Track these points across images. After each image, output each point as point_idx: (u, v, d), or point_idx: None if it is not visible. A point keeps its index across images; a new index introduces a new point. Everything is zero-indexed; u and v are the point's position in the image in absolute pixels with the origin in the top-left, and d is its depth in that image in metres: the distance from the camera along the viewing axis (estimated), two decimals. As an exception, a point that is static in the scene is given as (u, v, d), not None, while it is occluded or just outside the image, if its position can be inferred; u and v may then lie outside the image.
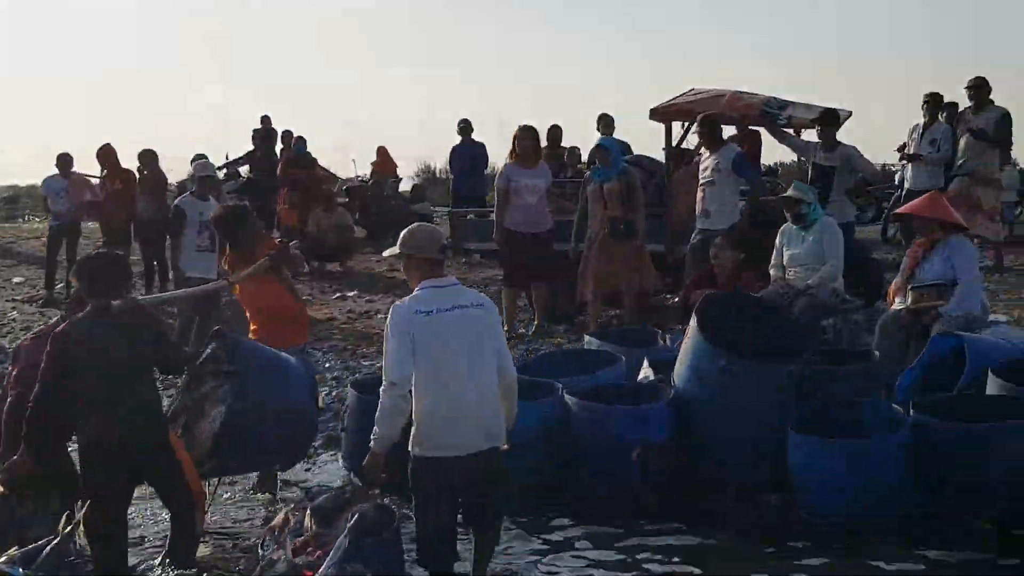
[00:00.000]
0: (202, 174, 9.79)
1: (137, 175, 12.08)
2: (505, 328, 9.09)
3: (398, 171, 18.24)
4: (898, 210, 7.04)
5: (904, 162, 12.48)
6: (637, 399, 5.53)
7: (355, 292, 12.00)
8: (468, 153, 13.99)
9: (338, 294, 11.83)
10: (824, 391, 5.33)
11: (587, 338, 7.02)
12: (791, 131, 9.84)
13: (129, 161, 12.32)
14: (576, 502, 5.37)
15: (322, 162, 15.53)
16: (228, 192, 18.69)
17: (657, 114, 10.22)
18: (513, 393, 4.40)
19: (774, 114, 9.78)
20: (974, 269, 6.49)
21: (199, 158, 12.00)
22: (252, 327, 5.93)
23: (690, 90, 10.45)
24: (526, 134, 9.00)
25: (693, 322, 5.41)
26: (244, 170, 16.06)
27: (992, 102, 11.31)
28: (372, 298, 11.56)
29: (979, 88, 11.15)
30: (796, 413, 5.05)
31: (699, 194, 8.56)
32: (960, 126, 11.43)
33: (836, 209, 8.52)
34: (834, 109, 9.26)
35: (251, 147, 15.29)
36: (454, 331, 4.20)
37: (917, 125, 11.77)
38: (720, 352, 5.23)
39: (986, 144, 11.49)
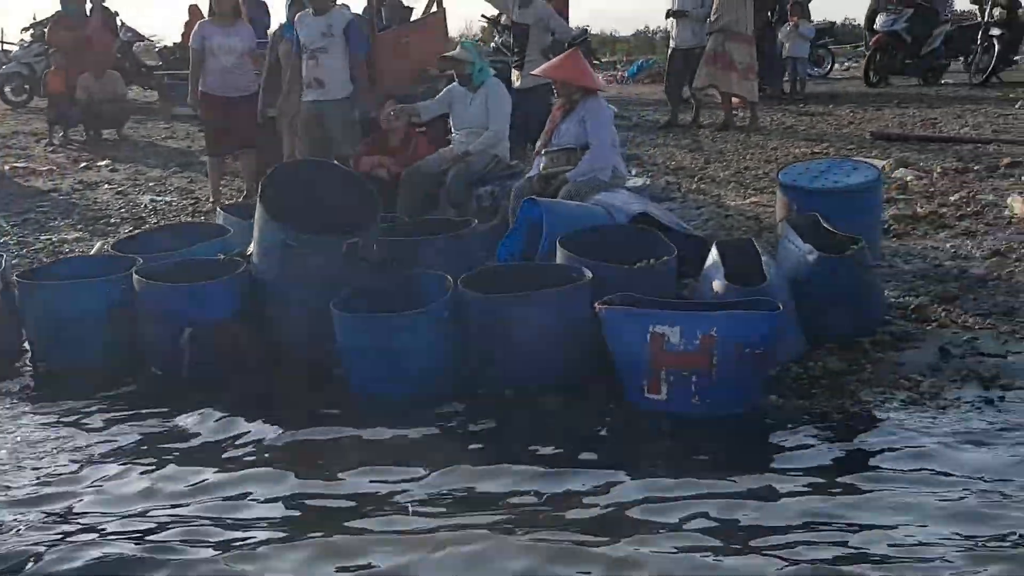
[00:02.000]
0: None
1: None
2: (211, 201, 8.81)
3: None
4: (533, 72, 6.80)
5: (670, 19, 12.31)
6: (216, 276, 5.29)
7: (106, 162, 11.52)
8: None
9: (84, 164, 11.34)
10: (401, 264, 5.20)
11: (218, 211, 6.73)
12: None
13: None
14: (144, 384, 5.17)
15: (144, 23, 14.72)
16: (35, 56, 17.71)
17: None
18: None
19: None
20: (605, 132, 6.31)
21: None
22: None
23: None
24: None
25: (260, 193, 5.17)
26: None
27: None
28: (118, 167, 11.13)
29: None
30: (347, 289, 4.88)
31: (310, 61, 8.00)
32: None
33: (533, 69, 8.26)
34: None
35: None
36: None
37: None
38: (278, 225, 5.01)
39: (739, 0, 11.35)
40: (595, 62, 19.15)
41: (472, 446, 4.19)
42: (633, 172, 8.49)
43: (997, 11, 16.27)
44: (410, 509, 3.59)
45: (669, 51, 12.47)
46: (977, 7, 17.42)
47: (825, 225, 5.35)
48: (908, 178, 8.38)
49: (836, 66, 20.00)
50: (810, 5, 16.96)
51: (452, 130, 7.34)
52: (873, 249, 6.17)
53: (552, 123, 6.49)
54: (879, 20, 17.44)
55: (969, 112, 12.18)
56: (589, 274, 4.80)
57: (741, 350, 4.25)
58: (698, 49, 11.84)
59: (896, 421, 4.19)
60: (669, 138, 11.55)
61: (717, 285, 4.78)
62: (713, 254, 5.06)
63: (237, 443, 4.32)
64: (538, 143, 6.59)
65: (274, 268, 5.07)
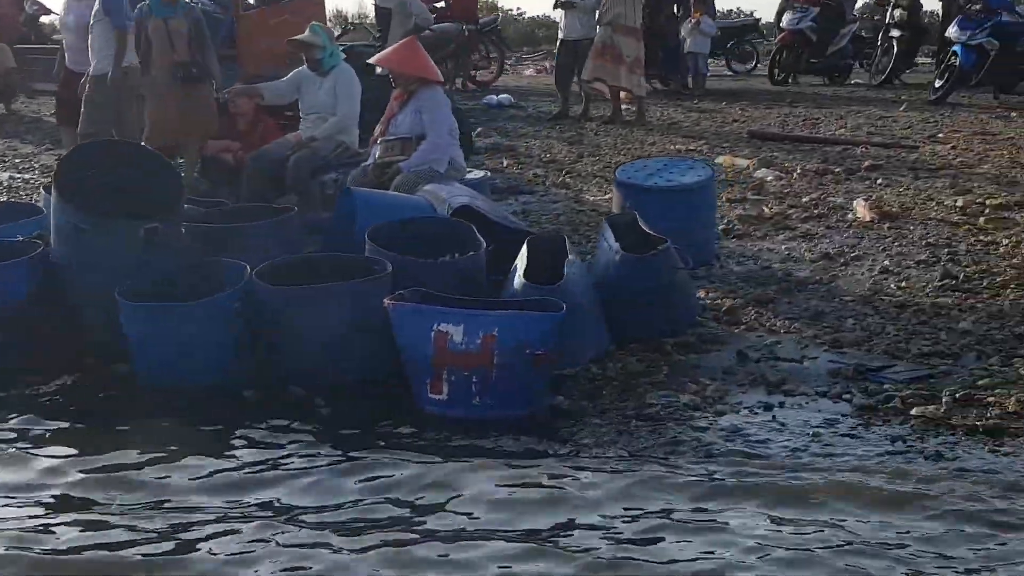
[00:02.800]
0: None
1: None
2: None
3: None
4: (369, 60, 6.69)
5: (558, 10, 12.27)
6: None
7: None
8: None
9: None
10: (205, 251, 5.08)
11: (41, 190, 6.54)
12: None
13: None
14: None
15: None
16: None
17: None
18: None
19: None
20: (442, 123, 6.23)
21: None
22: None
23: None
24: None
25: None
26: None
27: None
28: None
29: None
30: (150, 276, 4.75)
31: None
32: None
33: (394, 55, 8.14)
34: None
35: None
36: None
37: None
38: (70, 208, 4.85)
39: (627, -7, 11.32)
40: (507, 51, 19.06)
41: (236, 444, 4.08)
42: (497, 164, 8.44)
43: (898, 12, 16.43)
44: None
45: (558, 42, 12.42)
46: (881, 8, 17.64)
47: (640, 224, 5.32)
48: (768, 178, 8.42)
49: (760, 64, 20.06)
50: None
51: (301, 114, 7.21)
52: (705, 249, 6.21)
53: (389, 112, 6.39)
54: (785, 18, 17.55)
55: (854, 113, 12.30)
56: (389, 267, 4.71)
57: (522, 351, 4.20)
58: (586, 41, 11.81)
59: (667, 424, 4.16)
60: (555, 130, 11.51)
61: (516, 283, 4.73)
62: (523, 251, 5.00)
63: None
64: (375, 131, 6.49)
65: (69, 252, 4.91)
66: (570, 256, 4.92)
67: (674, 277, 5.09)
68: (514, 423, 4.21)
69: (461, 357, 4.22)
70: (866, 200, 7.27)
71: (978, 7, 13.06)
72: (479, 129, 11.55)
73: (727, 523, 3.31)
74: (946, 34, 13.57)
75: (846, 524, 3.28)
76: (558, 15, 12.39)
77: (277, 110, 7.86)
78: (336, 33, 14.84)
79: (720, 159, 9.16)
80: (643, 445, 4.00)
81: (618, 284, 5.02)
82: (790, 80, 17.50)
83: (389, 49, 6.49)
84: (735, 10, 29.03)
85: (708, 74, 16.29)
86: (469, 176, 6.58)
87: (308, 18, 9.67)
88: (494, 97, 14.43)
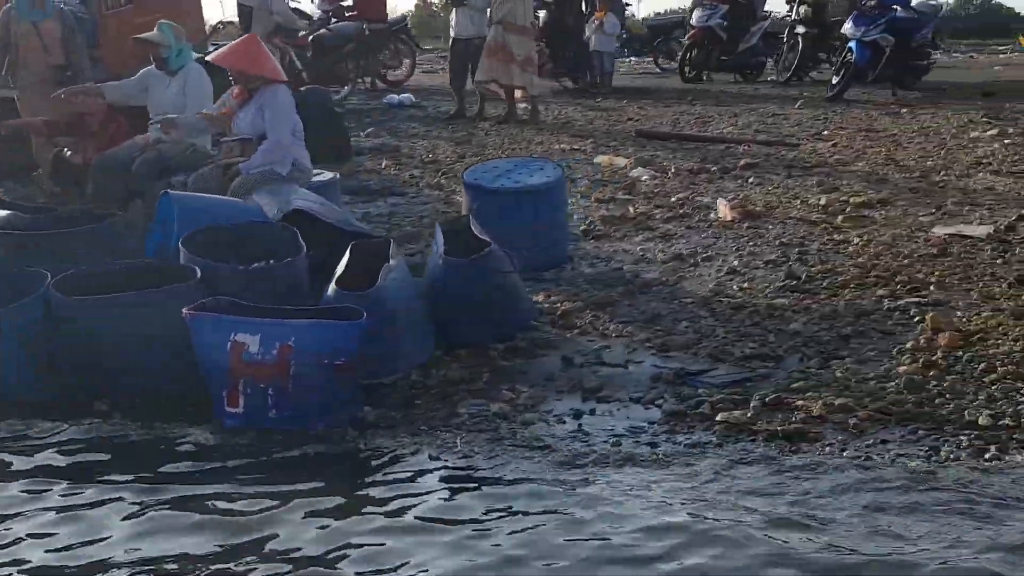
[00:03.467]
0: None
1: None
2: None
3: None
4: (207, 58, 6.51)
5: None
6: None
7: None
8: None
9: None
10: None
11: None
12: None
13: None
14: None
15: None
16: None
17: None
18: None
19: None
20: (284, 123, 6.05)
21: None
22: None
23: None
24: None
25: None
26: None
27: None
28: None
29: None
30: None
31: None
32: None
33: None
34: None
35: None
36: None
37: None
38: None
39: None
40: (417, 49, 18.91)
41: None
42: (376, 165, 8.28)
43: (803, 9, 16.51)
44: None
45: (451, 41, 12.30)
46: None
47: (472, 228, 5.21)
48: (643, 178, 8.36)
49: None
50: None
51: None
52: (557, 251, 6.12)
53: (228, 110, 6.21)
54: (695, 15, 17.59)
55: (749, 111, 12.31)
56: (197, 275, 4.54)
57: (320, 361, 4.06)
58: (478, 39, 11.70)
59: (470, 435, 4.04)
60: (447, 130, 11.39)
61: (329, 289, 4.59)
62: (345, 256, 4.87)
63: None
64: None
65: None
66: (391, 261, 4.78)
67: (501, 281, 4.98)
68: (315, 436, 4.05)
69: (257, 368, 4.06)
70: (728, 200, 7.21)
71: (872, 3, 13.14)
72: (369, 130, 11.42)
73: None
74: (842, 31, 13.64)
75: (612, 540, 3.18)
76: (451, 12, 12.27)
77: (138, 110, 7.64)
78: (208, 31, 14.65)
79: (599, 158, 9.09)
80: (433, 455, 3.86)
81: (443, 289, 4.90)
82: (704, 77, 17.55)
83: (227, 47, 6.28)
84: (667, 10, 29.15)
85: (613, 72, 16.27)
86: (318, 178, 6.41)
87: (185, 15, 9.49)
88: (395, 97, 14.31)
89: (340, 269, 4.75)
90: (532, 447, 3.89)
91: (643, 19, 30.23)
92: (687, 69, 17.55)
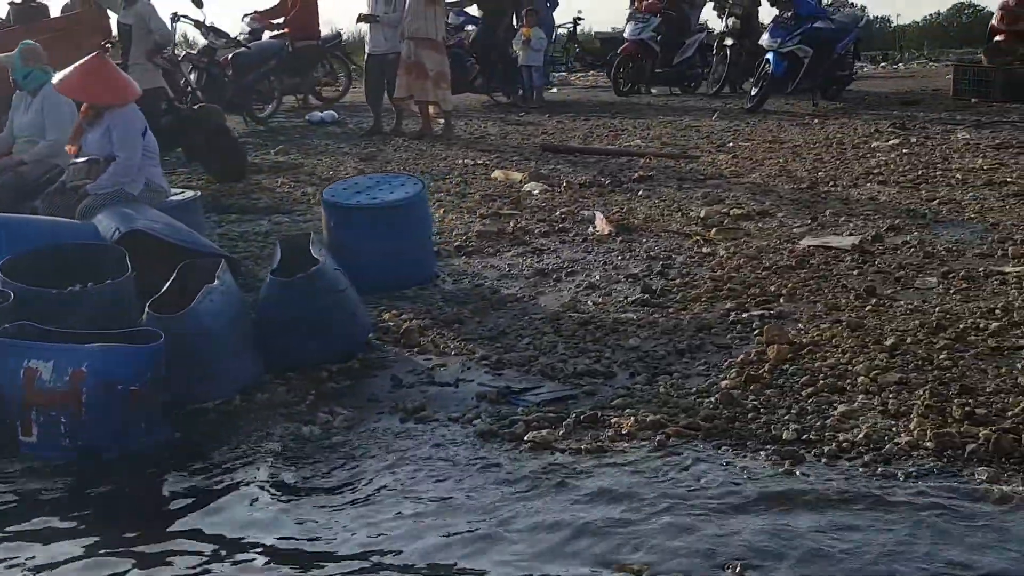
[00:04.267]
0: None
1: None
2: None
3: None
4: (53, 82, 6.37)
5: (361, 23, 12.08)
6: None
7: None
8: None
9: None
10: None
11: None
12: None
13: None
14: None
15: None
16: None
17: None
18: None
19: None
20: (133, 143, 5.93)
21: None
22: None
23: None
24: None
25: None
26: None
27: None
28: None
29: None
30: None
31: None
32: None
33: (137, 73, 7.85)
34: None
35: None
36: None
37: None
38: None
39: (425, 5, 11.17)
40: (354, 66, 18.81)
41: None
42: (272, 183, 8.16)
43: (731, 21, 16.52)
44: None
45: (365, 57, 12.21)
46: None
47: (311, 245, 5.10)
48: (535, 192, 8.29)
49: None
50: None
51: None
52: (420, 268, 6.02)
53: (77, 129, 6.08)
54: (627, 28, 17.56)
55: (664, 123, 12.28)
56: (10, 299, 4.41)
57: (113, 387, 3.94)
58: (392, 55, 11.63)
59: (265, 462, 3.93)
60: (358, 147, 11.29)
61: (144, 312, 4.47)
62: (172, 277, 4.76)
63: None
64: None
65: None
66: (216, 282, 4.67)
67: (333, 300, 4.86)
68: (112, 463, 3.93)
69: (49, 396, 3.94)
70: (607, 214, 7.14)
71: (789, 15, 13.15)
72: (279, 147, 11.31)
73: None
74: (759, 42, 13.65)
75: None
76: (364, 29, 12.19)
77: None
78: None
79: (495, 173, 9.01)
80: (227, 484, 3.75)
81: (270, 309, 4.79)
82: (640, 90, 17.51)
83: (69, 71, 6.11)
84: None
85: (542, 86, 16.23)
86: (177, 197, 6.29)
87: (80, 36, 9.35)
88: (318, 114, 14.22)
89: (163, 290, 4.63)
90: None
91: (595, 33, 30.28)
92: (620, 83, 17.50)
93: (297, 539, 3.33)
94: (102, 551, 3.31)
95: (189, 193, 6.50)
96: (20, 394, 3.98)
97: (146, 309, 4.45)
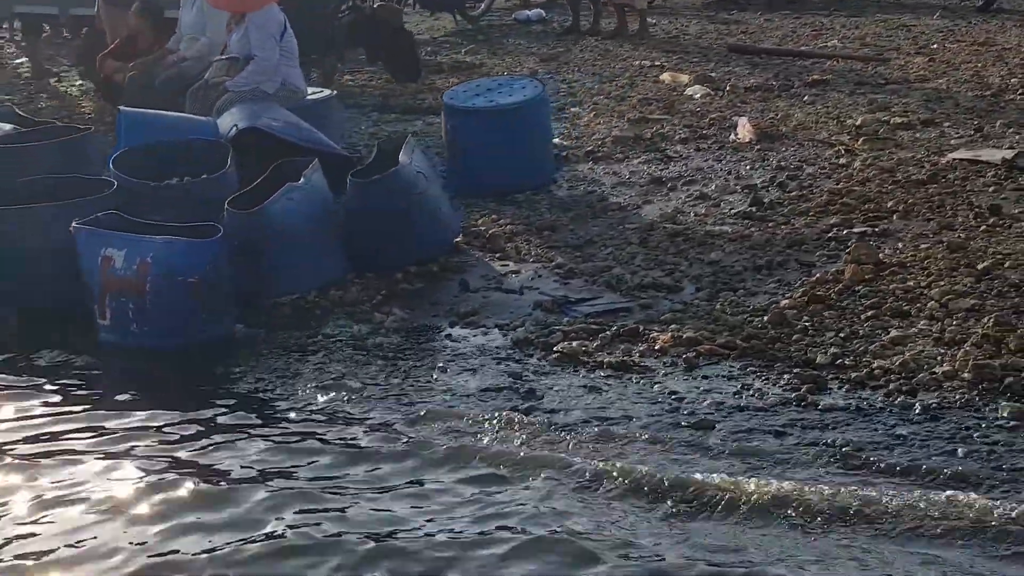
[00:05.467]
0: None
1: None
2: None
3: None
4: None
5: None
6: None
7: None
8: None
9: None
10: None
11: None
12: None
13: None
14: None
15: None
16: None
17: None
18: None
19: None
20: (270, 44, 6.13)
21: None
22: None
23: None
24: None
25: None
26: None
27: None
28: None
29: None
30: None
31: None
32: None
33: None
34: None
35: None
36: None
37: None
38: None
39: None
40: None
41: None
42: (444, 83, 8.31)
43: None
44: None
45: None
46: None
47: (405, 148, 5.14)
48: (696, 96, 7.98)
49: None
50: None
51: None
52: (538, 172, 5.99)
53: (227, 31, 6.37)
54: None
55: (877, 22, 11.41)
56: (112, 187, 4.73)
57: (173, 278, 4.18)
58: (591, -47, 11.38)
59: (315, 356, 4.08)
60: (548, 46, 11.18)
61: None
62: (265, 175, 4.95)
63: None
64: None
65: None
66: (301, 180, 4.82)
67: (410, 202, 4.91)
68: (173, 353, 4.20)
69: (121, 283, 4.24)
70: (751, 120, 6.79)
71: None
72: (471, 46, 11.37)
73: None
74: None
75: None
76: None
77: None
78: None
79: (664, 75, 8.72)
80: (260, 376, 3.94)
81: (353, 210, 4.91)
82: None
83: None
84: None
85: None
86: (314, 96, 6.48)
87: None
88: (525, 12, 14.11)
89: (250, 187, 4.82)
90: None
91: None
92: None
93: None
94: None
95: (325, 92, 6.67)
96: (99, 279, 4.29)
97: (225, 205, 4.66)
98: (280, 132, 5.63)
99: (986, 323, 3.65)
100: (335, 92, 6.92)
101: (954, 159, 5.68)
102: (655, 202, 5.61)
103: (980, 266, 4.17)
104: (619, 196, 5.77)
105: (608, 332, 4.02)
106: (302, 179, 4.84)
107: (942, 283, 4.06)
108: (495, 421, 3.42)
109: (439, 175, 5.45)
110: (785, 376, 3.54)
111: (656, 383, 3.62)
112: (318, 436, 3.44)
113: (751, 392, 3.47)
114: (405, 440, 3.34)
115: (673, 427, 3.29)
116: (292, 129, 5.73)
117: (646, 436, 3.25)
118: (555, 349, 3.93)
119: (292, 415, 3.62)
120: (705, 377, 3.64)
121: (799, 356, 3.66)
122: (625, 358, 3.81)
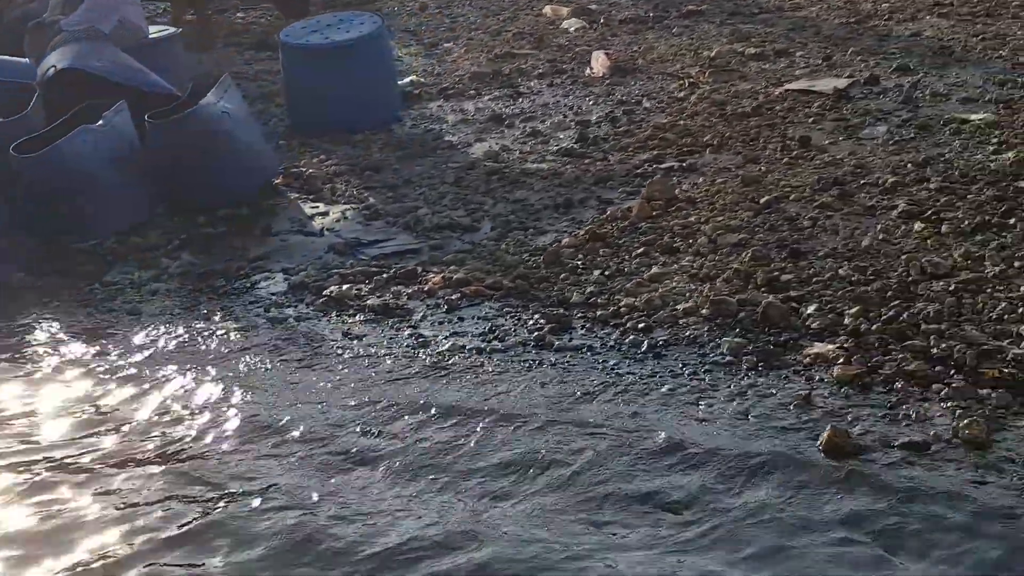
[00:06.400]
0: None
1: None
2: None
3: None
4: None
5: None
6: None
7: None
8: None
9: None
10: None
11: None
12: None
13: None
14: None
15: None
16: None
17: None
18: None
19: None
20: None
21: None
22: None
23: None
24: None
25: None
26: None
27: None
28: None
29: None
30: None
31: None
32: None
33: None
34: None
35: None
36: None
37: None
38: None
39: None
40: None
41: None
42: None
43: None
44: None
45: None
46: None
47: (219, 87, 5.03)
48: (571, 29, 7.85)
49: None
50: None
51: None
52: (379, 109, 5.90)
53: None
54: None
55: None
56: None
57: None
58: None
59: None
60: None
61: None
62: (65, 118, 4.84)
63: None
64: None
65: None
66: (100, 122, 4.71)
67: (213, 144, 4.80)
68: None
69: None
70: (607, 54, 6.69)
71: None
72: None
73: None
74: None
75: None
76: None
77: None
78: None
79: (546, 8, 8.58)
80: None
81: (154, 152, 4.81)
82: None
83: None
84: None
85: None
86: (157, 35, 6.33)
87: None
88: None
89: (43, 130, 4.71)
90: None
91: None
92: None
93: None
94: None
95: (170, 29, 6.51)
96: None
97: (11, 149, 4.54)
98: (101, 72, 5.49)
99: (743, 257, 3.61)
100: (178, 30, 6.74)
101: (787, 90, 5.62)
102: (487, 140, 5.53)
103: (763, 200, 4.12)
104: (455, 134, 5.68)
105: (385, 275, 3.97)
106: (100, 120, 4.73)
107: (721, 218, 4.02)
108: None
109: (252, 115, 5.34)
110: (535, 316, 3.50)
111: (409, 327, 3.57)
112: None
113: (495, 334, 3.42)
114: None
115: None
116: (117, 68, 5.59)
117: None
118: (323, 293, 3.88)
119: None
120: (461, 319, 3.59)
121: (557, 295, 3.62)
122: (391, 301, 3.76)
